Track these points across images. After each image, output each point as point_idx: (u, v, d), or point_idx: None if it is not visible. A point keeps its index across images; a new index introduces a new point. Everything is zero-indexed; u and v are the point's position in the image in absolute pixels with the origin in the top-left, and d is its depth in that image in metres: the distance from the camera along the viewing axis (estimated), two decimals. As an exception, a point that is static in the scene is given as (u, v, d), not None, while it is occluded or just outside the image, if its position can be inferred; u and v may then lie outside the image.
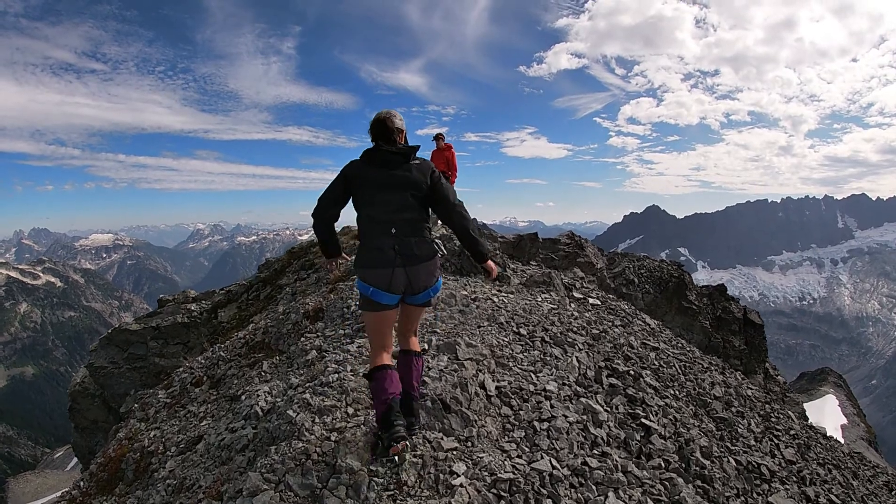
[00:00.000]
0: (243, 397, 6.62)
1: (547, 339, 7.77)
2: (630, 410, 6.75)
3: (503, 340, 7.37)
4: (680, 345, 12.07)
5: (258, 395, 6.37)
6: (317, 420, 5.20)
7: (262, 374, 7.69)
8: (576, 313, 9.78)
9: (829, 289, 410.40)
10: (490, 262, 5.04)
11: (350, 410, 5.37)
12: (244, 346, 9.67)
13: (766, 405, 11.29)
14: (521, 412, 5.76)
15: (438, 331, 7.43)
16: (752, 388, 12.24)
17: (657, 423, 6.65)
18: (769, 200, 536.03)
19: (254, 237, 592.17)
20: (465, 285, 9.95)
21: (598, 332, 9.01)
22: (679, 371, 9.36)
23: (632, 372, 7.73)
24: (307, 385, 6.04)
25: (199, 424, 7.14)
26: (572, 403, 6.12)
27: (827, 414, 43.29)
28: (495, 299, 9.17)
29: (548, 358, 7.15)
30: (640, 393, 7.25)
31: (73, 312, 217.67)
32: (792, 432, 10.34)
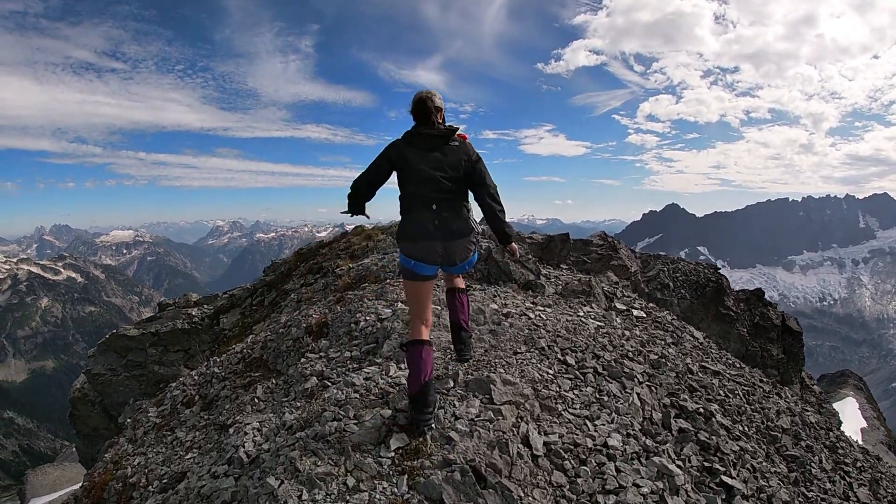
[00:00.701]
0: (231, 430, 5.68)
1: (600, 369, 6.35)
2: (705, 464, 5.47)
3: (547, 373, 5.97)
4: (734, 364, 10.73)
5: (246, 434, 5.41)
6: (304, 496, 3.98)
7: (255, 400, 6.63)
8: (625, 332, 8.33)
9: (849, 290, 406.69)
10: (514, 245, 5.47)
11: (350, 482, 4.09)
12: (240, 362, 8.44)
13: (830, 432, 10.07)
14: (578, 479, 4.45)
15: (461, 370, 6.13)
16: (810, 411, 10.99)
17: (738, 479, 5.42)
18: (790, 199, 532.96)
19: (272, 234, 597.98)
20: (495, 297, 8.53)
21: (655, 356, 7.56)
22: (743, 400, 8.02)
23: (702, 410, 6.36)
24: (299, 434, 4.83)
25: (185, 456, 6.24)
26: (642, 464, 4.76)
27: (847, 417, 42.20)
28: (531, 315, 7.73)
29: (604, 397, 5.76)
30: (713, 437, 5.95)
31: (94, 307, 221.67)
32: (858, 464, 9.36)
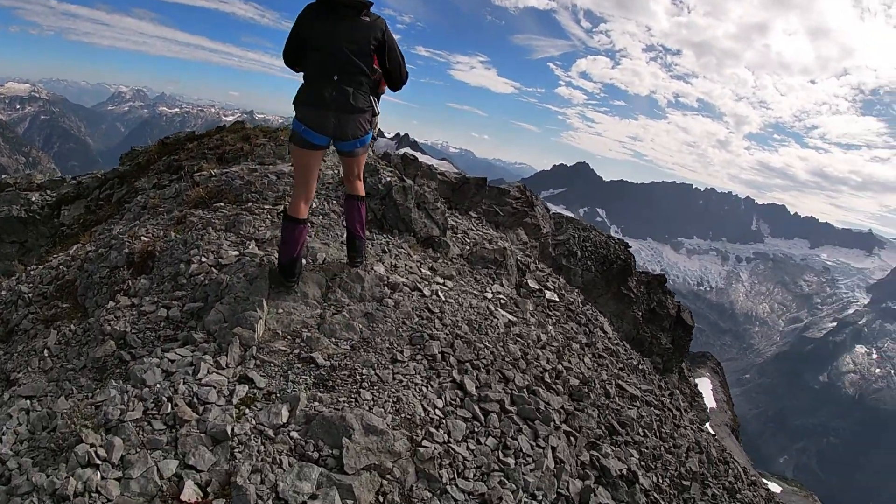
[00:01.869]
0: (6, 396, 4.22)
1: (507, 403, 4.48)
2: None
3: (435, 407, 4.14)
4: (640, 369, 9.31)
5: (16, 408, 3.92)
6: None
7: (46, 351, 4.88)
8: (540, 333, 6.52)
9: (727, 281, 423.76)
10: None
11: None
12: (53, 282, 6.50)
13: (728, 468, 8.82)
14: None
15: (319, 359, 4.30)
16: (695, 426, 9.84)
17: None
18: (694, 186, 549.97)
19: (176, 109, 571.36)
20: (383, 253, 6.60)
21: (576, 379, 5.75)
22: (658, 436, 6.45)
23: (624, 472, 4.70)
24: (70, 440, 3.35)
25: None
26: None
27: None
28: (426, 291, 5.81)
29: (509, 458, 3.93)
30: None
31: None
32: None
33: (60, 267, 6.83)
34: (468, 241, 8.88)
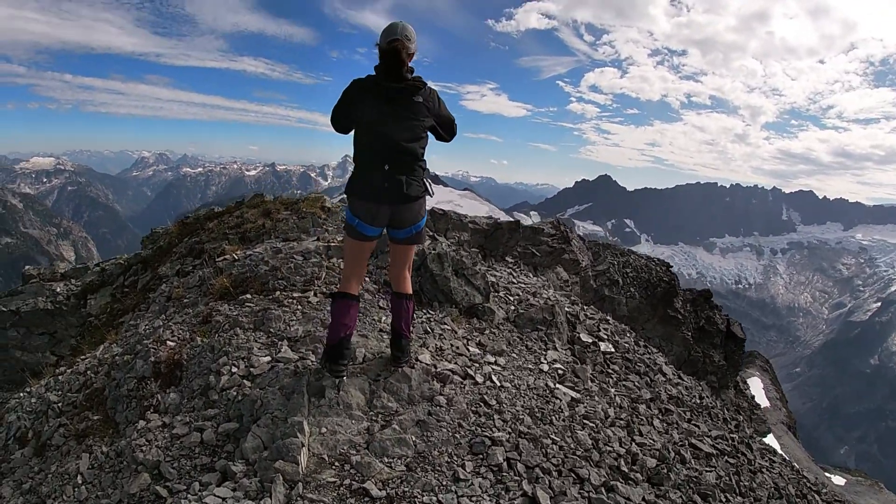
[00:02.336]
0: None
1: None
2: None
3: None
4: (710, 411, 8.65)
5: None
6: None
7: (80, 476, 4.56)
8: (607, 407, 5.91)
9: (765, 276, 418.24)
10: None
11: None
12: (81, 390, 6.12)
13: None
14: None
15: (374, 489, 3.79)
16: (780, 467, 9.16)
17: None
18: (718, 184, 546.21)
19: (200, 168, 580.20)
20: (426, 336, 6.07)
21: (652, 458, 5.15)
22: (736, 491, 5.82)
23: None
24: None
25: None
26: None
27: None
28: (478, 376, 5.31)
29: None
30: None
31: (10, 238, 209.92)
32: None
33: (88, 373, 6.48)
34: (511, 298, 8.36)
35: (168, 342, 5.85)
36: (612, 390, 6.66)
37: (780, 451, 9.97)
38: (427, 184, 4.82)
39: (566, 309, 8.53)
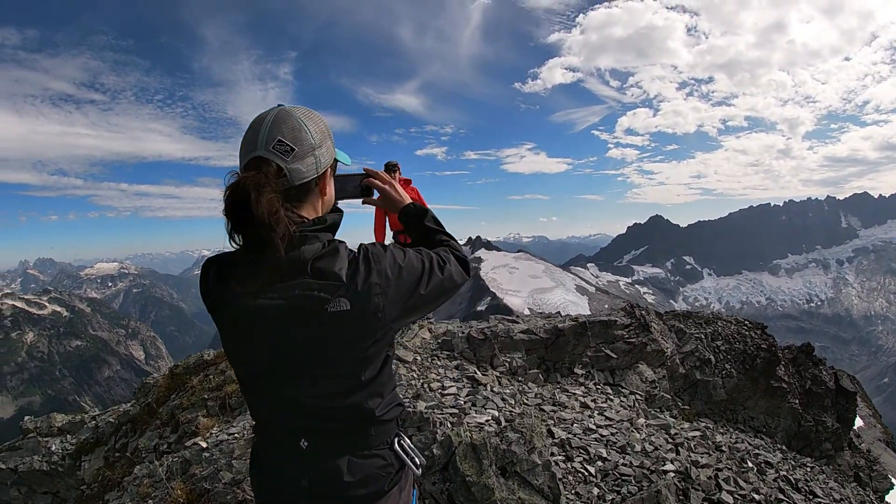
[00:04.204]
0: None
1: None
2: None
3: None
4: None
5: None
6: None
7: None
8: None
9: (836, 289, 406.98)
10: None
11: None
12: None
13: None
14: None
15: None
16: None
17: None
18: (771, 204, 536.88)
19: None
20: None
21: None
22: None
23: None
24: None
25: None
26: None
27: (843, 418, 39.44)
28: None
29: None
30: None
31: (80, 342, 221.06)
32: None
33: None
34: (592, 471, 5.74)
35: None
36: None
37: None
38: (402, 455, 2.15)
39: (672, 471, 5.91)
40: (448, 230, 2.53)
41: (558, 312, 13.55)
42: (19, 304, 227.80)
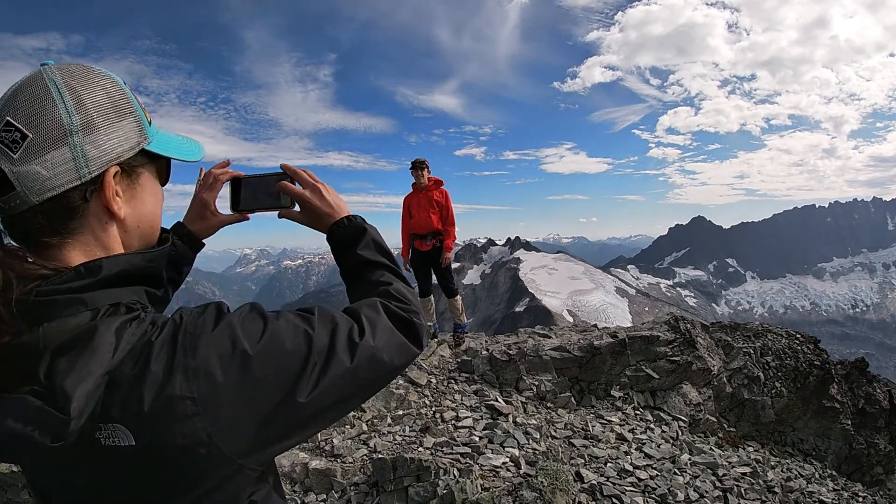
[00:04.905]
0: None
1: None
2: None
3: None
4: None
5: None
6: None
7: None
8: None
9: (881, 294, 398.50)
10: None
11: None
12: None
13: None
14: None
15: None
16: None
17: None
18: (816, 205, 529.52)
19: (300, 261, 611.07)
20: None
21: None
22: None
23: None
24: None
25: None
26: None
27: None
28: None
29: None
30: None
31: None
32: None
33: None
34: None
35: None
36: None
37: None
38: None
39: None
40: (396, 262, 1.59)
41: (595, 325, 12.65)
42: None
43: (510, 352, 9.13)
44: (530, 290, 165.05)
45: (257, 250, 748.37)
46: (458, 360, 9.35)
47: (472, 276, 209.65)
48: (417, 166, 9.85)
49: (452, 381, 8.48)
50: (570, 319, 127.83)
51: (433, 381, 8.38)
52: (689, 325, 11.61)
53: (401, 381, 8.17)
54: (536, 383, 8.78)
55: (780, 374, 14.28)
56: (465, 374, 8.83)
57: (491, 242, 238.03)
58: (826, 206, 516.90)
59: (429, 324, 10.79)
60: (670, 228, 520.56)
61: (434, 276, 10.38)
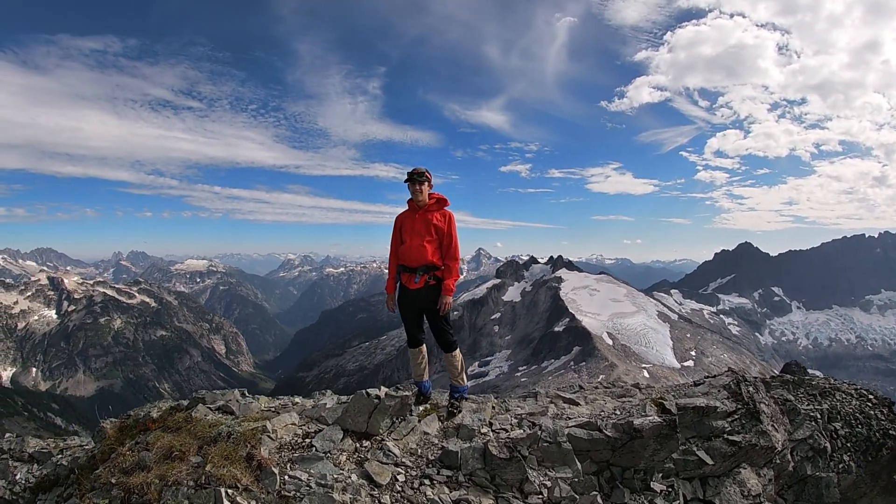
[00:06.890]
0: None
1: None
2: None
3: None
4: None
5: None
6: None
7: None
8: None
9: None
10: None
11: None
12: None
13: None
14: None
15: None
16: None
17: None
18: (866, 235, 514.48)
19: (341, 269, 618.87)
20: None
21: None
22: None
23: None
24: None
25: None
26: None
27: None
28: None
29: None
30: None
31: (165, 332, 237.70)
32: None
33: None
34: None
35: None
36: None
37: None
38: None
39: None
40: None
41: (636, 385, 10.74)
42: (110, 291, 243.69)
43: (516, 438, 7.05)
44: (570, 311, 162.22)
45: (301, 256, 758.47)
46: (444, 444, 7.23)
47: (512, 293, 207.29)
48: (415, 178, 8.00)
49: (427, 480, 6.39)
50: (610, 342, 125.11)
51: (400, 478, 6.32)
52: (751, 389, 9.69)
53: (352, 478, 6.06)
54: (549, 484, 6.72)
55: (849, 443, 12.32)
56: (446, 470, 6.69)
57: (533, 260, 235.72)
58: (876, 235, 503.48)
59: (416, 382, 8.66)
60: (716, 253, 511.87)
61: (427, 322, 8.39)
